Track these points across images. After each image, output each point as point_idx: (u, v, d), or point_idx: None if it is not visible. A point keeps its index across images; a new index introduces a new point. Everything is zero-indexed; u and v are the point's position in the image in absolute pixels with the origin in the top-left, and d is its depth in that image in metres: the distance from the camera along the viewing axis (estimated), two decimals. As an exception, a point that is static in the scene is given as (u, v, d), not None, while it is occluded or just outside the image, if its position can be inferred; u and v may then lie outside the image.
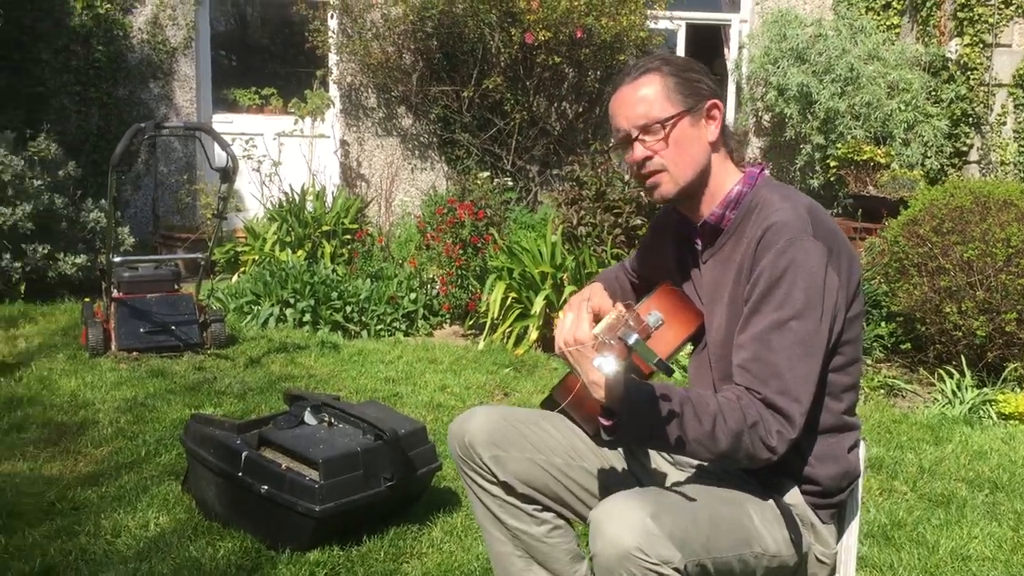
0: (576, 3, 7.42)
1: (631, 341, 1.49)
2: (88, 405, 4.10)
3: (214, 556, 2.74)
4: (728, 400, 1.69)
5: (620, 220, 5.87)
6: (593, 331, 1.57)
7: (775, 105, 8.34)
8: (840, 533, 1.97)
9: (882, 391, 4.98)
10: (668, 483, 1.98)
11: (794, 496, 1.87)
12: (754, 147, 9.03)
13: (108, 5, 7.89)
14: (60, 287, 6.41)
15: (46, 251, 6.29)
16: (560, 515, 2.09)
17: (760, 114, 8.92)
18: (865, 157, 7.83)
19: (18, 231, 6.15)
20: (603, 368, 1.48)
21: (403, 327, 5.93)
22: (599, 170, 6.13)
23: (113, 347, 4.89)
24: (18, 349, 4.98)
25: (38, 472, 3.36)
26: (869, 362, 5.29)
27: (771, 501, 1.84)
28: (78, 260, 6.43)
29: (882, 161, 7.83)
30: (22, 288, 6.23)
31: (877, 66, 8.09)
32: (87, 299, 5.45)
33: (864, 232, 7.08)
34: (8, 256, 6.14)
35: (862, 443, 1.95)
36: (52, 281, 6.38)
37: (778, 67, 8.27)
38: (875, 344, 5.42)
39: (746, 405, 1.68)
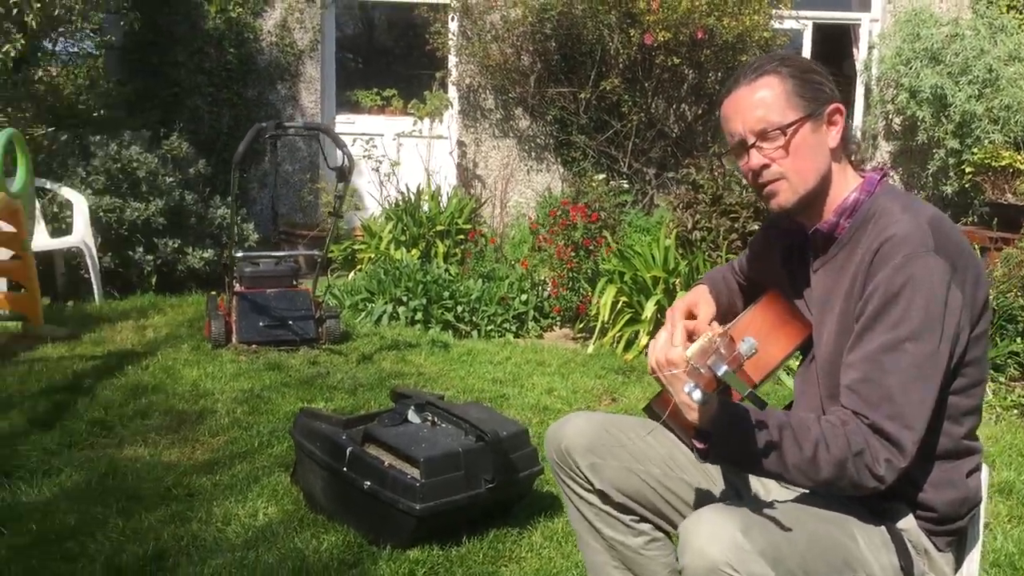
0: (697, 3, 7.29)
1: (720, 372, 1.43)
2: (208, 395, 4.25)
3: (318, 549, 2.79)
4: (832, 425, 1.60)
5: (736, 225, 5.72)
6: (686, 353, 1.51)
7: (907, 108, 7.99)
8: (959, 562, 1.85)
9: (1016, 411, 4.69)
10: (769, 498, 1.90)
11: (907, 521, 1.77)
12: (883, 151, 8.67)
13: (240, 9, 8.19)
14: (188, 280, 6.70)
15: (176, 245, 6.58)
16: (658, 527, 2.04)
17: (890, 117, 8.56)
18: (1004, 163, 7.40)
19: (151, 225, 6.45)
20: (693, 396, 1.43)
21: (513, 328, 5.94)
22: (716, 173, 6.00)
23: (234, 339, 5.06)
24: (146, 339, 5.22)
25: (158, 458, 3.50)
26: (1003, 380, 4.99)
27: (881, 525, 1.74)
28: (205, 254, 6.71)
29: (1022, 167, 7.40)
30: (153, 280, 6.53)
31: (1019, 67, 7.65)
32: (212, 292, 5.66)
33: (1000, 242, 6.70)
34: (141, 249, 6.45)
35: (984, 468, 1.83)
36: (181, 274, 6.67)
37: (910, 68, 7.92)
38: (1010, 361, 5.11)
39: (852, 431, 1.59)
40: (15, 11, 5.91)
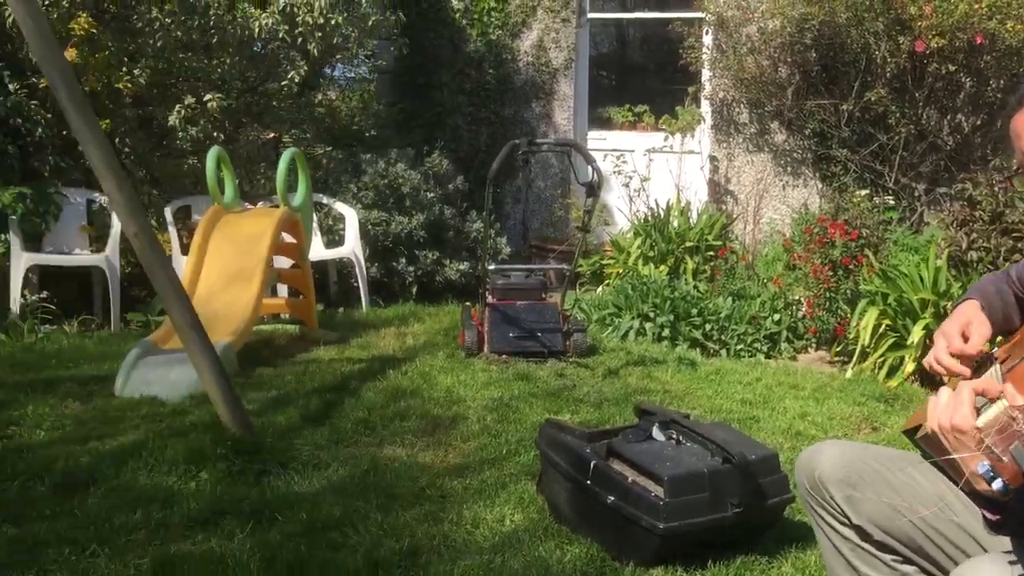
0: (976, 6, 6.73)
1: None
2: (460, 401, 4.42)
3: (561, 559, 2.82)
4: None
5: (1020, 245, 5.21)
6: (976, 422, 1.35)
7: None
8: None
9: None
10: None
11: None
12: None
13: (499, 31, 8.53)
14: (445, 291, 7.04)
15: (435, 257, 6.94)
16: (923, 569, 1.87)
17: None
18: None
19: (413, 238, 6.85)
20: (993, 486, 1.28)
21: (764, 349, 5.74)
22: (996, 188, 5.50)
23: (485, 349, 5.24)
24: (406, 345, 5.52)
25: (414, 459, 3.68)
26: None
27: None
28: (461, 266, 7.02)
29: None
30: (414, 290, 6.93)
31: None
32: (467, 303, 5.90)
33: None
34: (404, 260, 6.85)
35: None
36: (439, 285, 7.02)
37: None
38: None
39: None
40: (299, 40, 6.49)
